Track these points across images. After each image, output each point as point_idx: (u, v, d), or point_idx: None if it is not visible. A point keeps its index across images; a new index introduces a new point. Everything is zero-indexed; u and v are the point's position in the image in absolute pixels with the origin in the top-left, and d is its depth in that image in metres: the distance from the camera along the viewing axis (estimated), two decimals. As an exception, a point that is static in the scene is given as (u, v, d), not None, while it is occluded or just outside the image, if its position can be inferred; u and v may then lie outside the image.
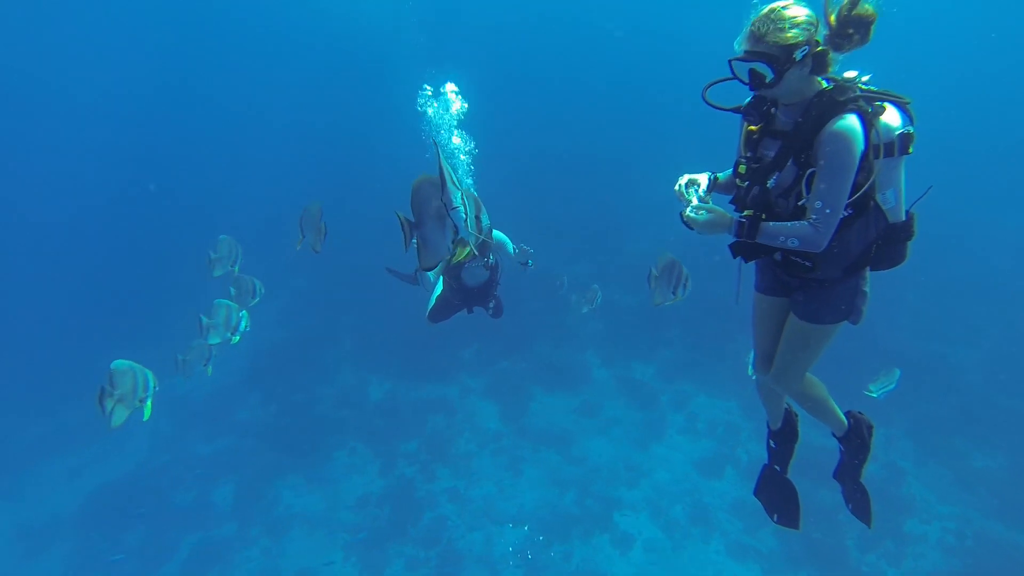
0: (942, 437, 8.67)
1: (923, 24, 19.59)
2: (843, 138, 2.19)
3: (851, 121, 2.20)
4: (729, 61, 2.29)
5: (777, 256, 2.61)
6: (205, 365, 4.98)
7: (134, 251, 14.20)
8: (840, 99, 2.24)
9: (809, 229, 2.28)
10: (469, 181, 7.96)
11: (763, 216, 2.41)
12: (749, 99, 2.50)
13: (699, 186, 2.56)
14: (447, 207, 2.42)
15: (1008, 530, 7.51)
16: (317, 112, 19.09)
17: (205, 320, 4.91)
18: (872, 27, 2.22)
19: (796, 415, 3.39)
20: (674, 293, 4.46)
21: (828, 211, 2.25)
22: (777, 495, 3.41)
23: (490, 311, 6.10)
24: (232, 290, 5.35)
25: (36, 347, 11.70)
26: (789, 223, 2.35)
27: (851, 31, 2.21)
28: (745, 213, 2.45)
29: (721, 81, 2.46)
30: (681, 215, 2.45)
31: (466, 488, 8.29)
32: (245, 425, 9.62)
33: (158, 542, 7.93)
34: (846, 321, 2.70)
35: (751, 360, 5.33)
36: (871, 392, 5.40)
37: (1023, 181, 14.92)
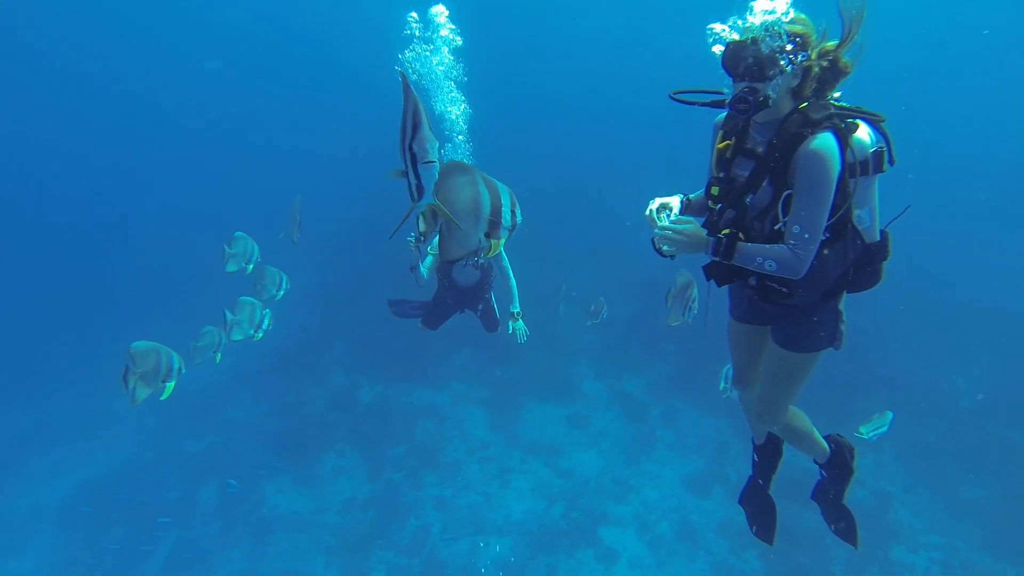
0: (932, 464, 8.63)
1: (923, 41, 19.70)
2: (820, 158, 2.11)
3: (828, 140, 2.12)
4: (727, 44, 2.18)
5: (752, 280, 2.50)
6: (215, 352, 4.99)
7: (136, 247, 14.16)
8: (815, 117, 2.16)
9: (788, 254, 2.19)
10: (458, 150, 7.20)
11: (740, 236, 2.32)
12: (739, 88, 2.20)
13: (671, 210, 2.46)
14: (417, 159, 1.99)
15: (995, 562, 7.46)
16: (324, 115, 19.31)
17: (230, 316, 4.95)
18: (838, 80, 2.21)
19: None
20: (683, 314, 4.49)
21: (807, 236, 2.16)
22: (758, 508, 3.40)
23: (479, 313, 6.07)
24: (257, 283, 5.44)
25: (26, 341, 11.63)
26: (768, 245, 2.25)
27: (826, 65, 2.18)
28: (723, 232, 2.34)
29: (702, 92, 2.41)
30: (653, 241, 2.36)
31: (452, 496, 8.24)
32: (234, 424, 9.56)
33: (139, 540, 7.84)
34: (829, 347, 2.62)
35: (724, 374, 5.35)
36: (862, 434, 5.36)
37: (1017, 205, 14.96)
